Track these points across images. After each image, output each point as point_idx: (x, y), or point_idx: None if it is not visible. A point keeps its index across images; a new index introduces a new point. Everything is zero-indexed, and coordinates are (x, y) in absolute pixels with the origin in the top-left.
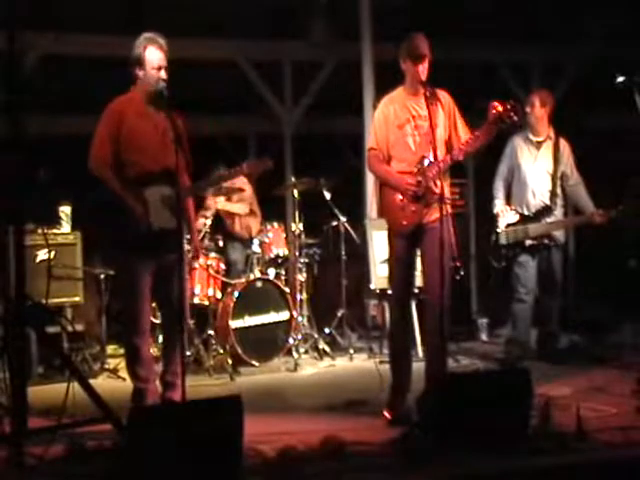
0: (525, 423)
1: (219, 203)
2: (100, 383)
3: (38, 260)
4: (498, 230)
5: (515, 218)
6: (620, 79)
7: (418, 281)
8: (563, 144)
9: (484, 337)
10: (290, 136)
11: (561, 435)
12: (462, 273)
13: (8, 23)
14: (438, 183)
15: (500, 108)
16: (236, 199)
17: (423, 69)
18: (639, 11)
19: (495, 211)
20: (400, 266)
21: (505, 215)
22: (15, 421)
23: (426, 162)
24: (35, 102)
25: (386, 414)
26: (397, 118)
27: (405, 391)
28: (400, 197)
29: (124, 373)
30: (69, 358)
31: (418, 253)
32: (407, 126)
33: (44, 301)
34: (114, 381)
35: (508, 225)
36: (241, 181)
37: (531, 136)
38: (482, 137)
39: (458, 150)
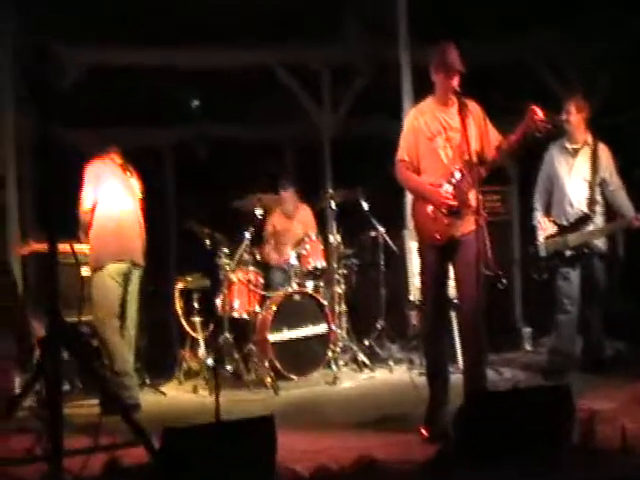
0: (565, 441)
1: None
2: (141, 398)
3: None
4: (537, 242)
5: (554, 230)
6: None
7: (452, 292)
8: (602, 149)
9: (528, 346)
10: (328, 143)
11: (605, 450)
12: (505, 282)
13: (42, 37)
14: (472, 195)
15: (540, 114)
16: (297, 218)
17: (456, 81)
18: None
19: (534, 222)
20: (433, 279)
21: (543, 227)
22: (52, 440)
23: (457, 175)
24: (78, 114)
25: (423, 431)
26: (428, 130)
27: (442, 406)
28: (431, 209)
29: (164, 388)
30: (104, 378)
31: (450, 265)
32: (438, 138)
33: (77, 318)
34: (155, 396)
35: (548, 237)
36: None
37: (567, 144)
38: (514, 139)
39: (497, 152)
